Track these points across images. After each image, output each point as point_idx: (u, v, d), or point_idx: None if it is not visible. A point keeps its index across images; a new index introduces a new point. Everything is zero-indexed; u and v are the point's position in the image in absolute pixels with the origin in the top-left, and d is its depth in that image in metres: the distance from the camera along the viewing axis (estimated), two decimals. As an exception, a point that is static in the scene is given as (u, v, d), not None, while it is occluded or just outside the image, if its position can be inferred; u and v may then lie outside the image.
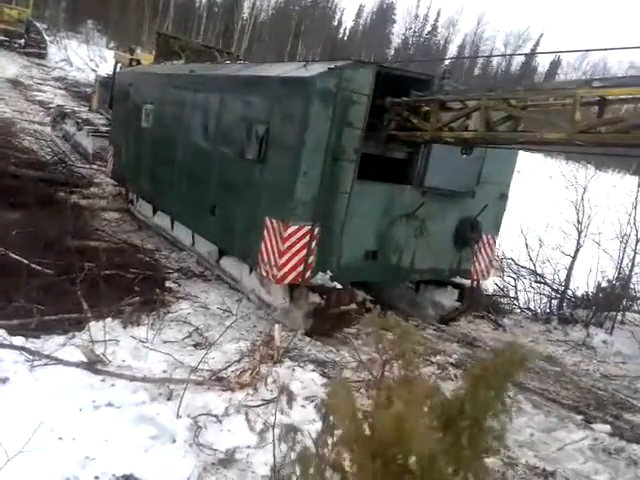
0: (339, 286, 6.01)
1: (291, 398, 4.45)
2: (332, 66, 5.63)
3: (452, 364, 6.19)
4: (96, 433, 3.60)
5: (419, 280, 7.41)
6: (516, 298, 10.09)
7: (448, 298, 7.34)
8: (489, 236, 7.22)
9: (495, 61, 66.45)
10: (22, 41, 27.58)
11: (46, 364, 4.26)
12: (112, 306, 5.89)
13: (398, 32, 64.74)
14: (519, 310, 9.80)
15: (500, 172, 6.99)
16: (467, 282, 7.19)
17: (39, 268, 6.35)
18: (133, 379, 4.40)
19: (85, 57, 31.18)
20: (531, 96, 4.92)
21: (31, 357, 4.26)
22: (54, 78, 24.74)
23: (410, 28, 63.90)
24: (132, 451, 3.55)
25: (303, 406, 4.47)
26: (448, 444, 1.48)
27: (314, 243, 5.84)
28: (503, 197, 7.18)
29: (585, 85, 4.38)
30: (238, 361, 5.10)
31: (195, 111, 7.90)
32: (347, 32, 67.79)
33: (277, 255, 5.83)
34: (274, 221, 5.93)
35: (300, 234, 5.79)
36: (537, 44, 64.96)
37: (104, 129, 13.31)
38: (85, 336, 5.01)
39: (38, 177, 10.42)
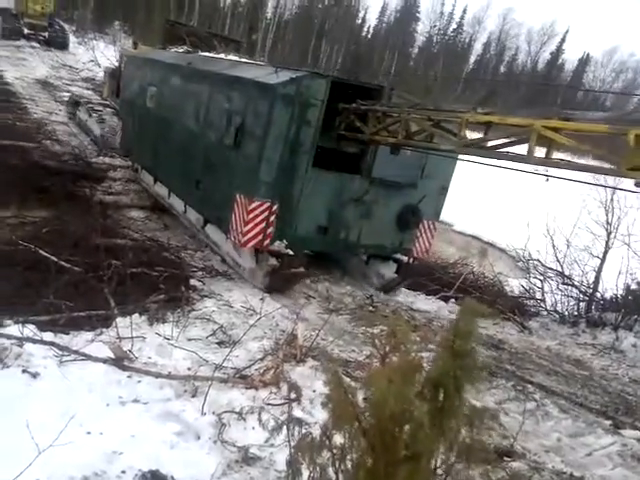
0: (291, 253, 7.30)
1: (299, 395, 4.48)
2: (294, 76, 7.02)
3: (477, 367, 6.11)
4: (123, 428, 3.66)
5: (369, 254, 8.70)
6: (543, 300, 9.90)
7: (389, 270, 8.63)
8: (430, 221, 8.40)
9: (521, 59, 65.48)
10: (46, 34, 29.40)
11: (75, 359, 4.34)
12: (138, 303, 5.98)
13: (422, 30, 64.20)
14: (546, 312, 9.61)
15: (442, 168, 7.97)
16: (405, 258, 8.43)
17: (68, 265, 6.47)
18: (159, 376, 4.46)
19: (112, 57, 31.70)
20: (435, 115, 6.10)
21: (60, 352, 4.35)
22: (82, 79, 25.17)
23: (435, 26, 63.24)
24: (158, 447, 3.60)
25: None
26: (432, 412, 1.46)
27: (273, 217, 7.19)
28: (444, 189, 8.31)
29: (472, 111, 5.69)
30: (261, 359, 5.14)
31: (189, 98, 9.15)
32: (371, 30, 67.54)
33: (243, 225, 7.19)
34: (242, 197, 7.23)
35: (261, 209, 7.14)
36: (563, 40, 63.69)
37: (110, 115, 14.68)
38: (112, 333, 5.10)
39: (64, 171, 10.67)
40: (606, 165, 4.91)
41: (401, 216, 7.97)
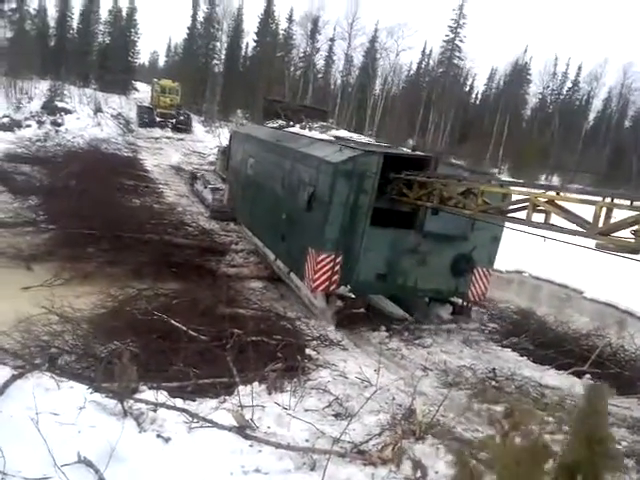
0: (353, 296, 8.73)
1: (425, 474, 4.24)
2: (352, 155, 8.56)
3: (622, 453, 5.41)
4: (246, 499, 3.71)
5: (430, 297, 9.83)
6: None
7: (445, 312, 9.72)
8: (484, 268, 9.46)
9: (647, 112, 61.17)
10: (173, 120, 35.38)
11: (202, 426, 4.55)
12: (258, 371, 6.19)
13: (535, 91, 62.87)
14: None
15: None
16: (459, 301, 9.51)
17: (195, 334, 6.93)
18: (279, 446, 4.50)
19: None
20: (458, 185, 7.41)
21: (190, 419, 4.58)
22: (209, 162, 27.89)
23: (548, 87, 61.75)
24: (279, 520, 3.58)
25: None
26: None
27: (337, 267, 8.68)
28: (496, 239, 9.33)
29: (487, 183, 7.07)
30: (379, 434, 5.00)
31: (277, 168, 11.20)
32: (479, 96, 67.63)
33: (313, 273, 8.70)
34: (313, 250, 8.76)
35: (327, 260, 8.65)
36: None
37: (220, 186, 17.33)
38: (235, 400, 5.30)
39: (192, 246, 11.73)
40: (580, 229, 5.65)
41: (454, 264, 9.05)
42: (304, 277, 9.03)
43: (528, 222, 6.11)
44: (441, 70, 59.80)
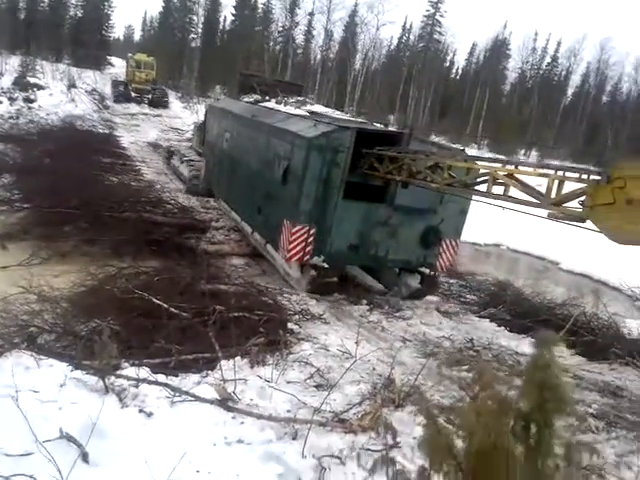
0: (326, 266, 9.08)
1: (395, 438, 4.37)
2: (325, 130, 8.84)
3: (593, 415, 5.63)
4: (229, 468, 3.78)
5: (400, 267, 10.10)
6: (667, 343, 8.94)
7: (414, 281, 9.96)
8: (451, 240, 9.77)
9: (625, 87, 61.77)
10: (149, 96, 34.91)
11: (184, 400, 4.59)
12: (240, 346, 6.24)
13: (514, 67, 62.88)
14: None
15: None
16: (427, 271, 9.77)
17: (177, 311, 6.93)
18: (260, 417, 4.58)
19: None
20: (426, 161, 7.63)
21: (172, 394, 4.62)
22: (187, 139, 27.47)
23: (527, 62, 61.78)
24: (262, 488, 3.67)
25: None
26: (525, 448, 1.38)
27: (311, 238, 8.96)
28: (463, 212, 9.58)
29: (453, 158, 7.32)
30: (359, 404, 5.11)
31: (253, 142, 11.57)
32: (459, 71, 67.45)
33: (288, 244, 8.99)
34: (288, 222, 9.02)
35: (302, 232, 8.92)
36: (674, 63, 59.15)
37: (196, 161, 17.29)
38: (217, 375, 5.35)
39: (172, 224, 11.64)
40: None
41: (423, 236, 9.40)
42: (279, 248, 9.40)
43: (489, 194, 6.51)
44: (421, 45, 59.40)
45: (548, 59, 62.11)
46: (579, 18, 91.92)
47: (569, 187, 5.67)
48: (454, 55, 65.20)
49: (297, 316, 8.15)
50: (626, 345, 8.46)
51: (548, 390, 1.31)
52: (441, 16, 57.56)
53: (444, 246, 9.71)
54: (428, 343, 7.81)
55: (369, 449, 4.29)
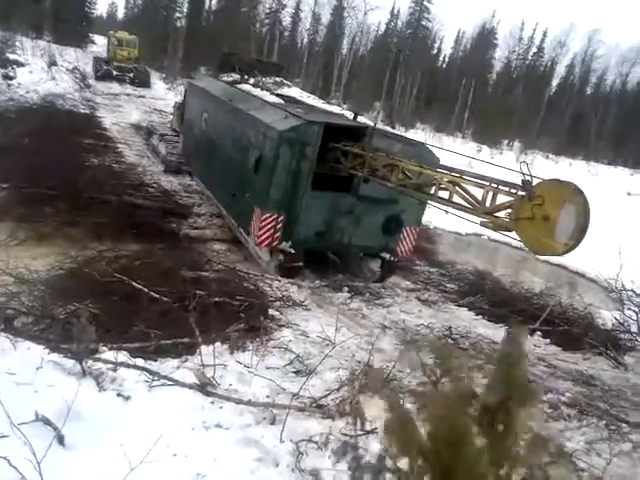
0: (293, 251, 9.45)
1: (363, 422, 4.43)
2: (295, 124, 9.18)
3: (565, 403, 5.77)
4: (206, 452, 3.81)
5: (364, 253, 10.62)
6: (639, 334, 9.18)
7: (376, 265, 10.51)
8: (411, 228, 10.34)
9: (610, 79, 62.31)
10: (131, 74, 34.09)
11: (163, 384, 4.60)
12: (220, 332, 6.25)
13: (500, 56, 62.95)
14: (643, 347, 8.89)
15: None
16: (387, 256, 10.24)
17: (157, 296, 6.91)
18: (239, 402, 4.61)
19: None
20: (385, 160, 8.00)
21: (150, 377, 4.63)
22: (170, 121, 27.07)
23: (514, 51, 61.88)
24: (239, 472, 3.71)
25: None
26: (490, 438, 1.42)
27: (280, 225, 9.39)
28: (422, 203, 9.82)
29: (406, 161, 7.67)
30: (338, 389, 5.17)
31: (228, 127, 11.90)
32: (446, 59, 67.34)
33: (258, 230, 9.43)
34: (258, 209, 9.46)
35: (271, 219, 9.35)
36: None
37: (175, 140, 17.58)
38: (197, 360, 5.36)
39: (154, 208, 11.54)
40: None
41: (385, 224, 9.90)
42: (250, 233, 9.89)
43: (435, 197, 7.06)
44: (409, 32, 59.08)
45: (534, 49, 62.31)
46: (568, 7, 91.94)
47: (502, 199, 6.16)
48: (441, 43, 65.08)
49: (278, 302, 8.18)
50: (600, 336, 8.67)
51: (513, 382, 1.36)
52: (429, 2, 57.25)
53: (404, 233, 10.31)
54: (408, 330, 7.91)
55: (346, 434, 4.36)
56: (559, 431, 5.14)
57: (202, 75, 22.78)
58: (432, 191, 7.16)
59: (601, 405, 6.04)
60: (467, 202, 6.45)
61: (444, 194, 6.90)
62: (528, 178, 5.58)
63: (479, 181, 6.37)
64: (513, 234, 5.92)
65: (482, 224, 6.16)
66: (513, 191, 5.84)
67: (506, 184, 6.00)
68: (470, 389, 1.46)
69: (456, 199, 6.61)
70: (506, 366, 1.32)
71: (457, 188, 6.58)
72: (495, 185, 6.10)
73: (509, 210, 5.84)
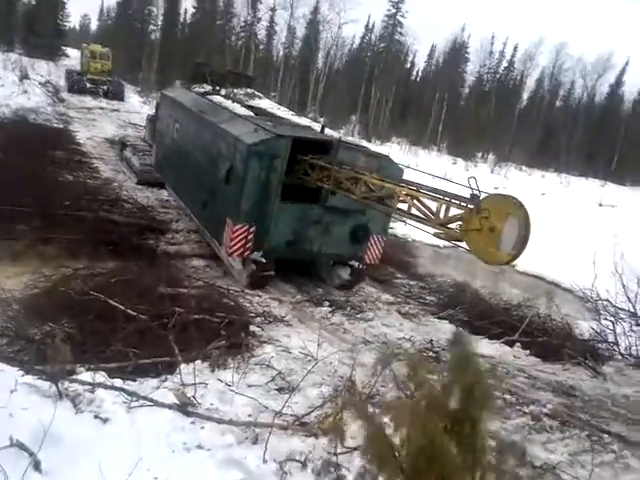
0: (264, 261, 9.60)
1: (343, 439, 4.40)
2: (264, 138, 9.40)
3: (547, 414, 5.82)
4: (188, 474, 3.73)
5: (333, 261, 10.87)
6: (616, 343, 9.32)
7: (345, 273, 10.83)
8: (378, 236, 10.61)
9: (577, 92, 64.05)
10: (105, 87, 33.78)
11: (142, 405, 4.49)
12: (200, 350, 6.15)
13: (472, 70, 64.24)
14: (620, 357, 9.01)
15: None
16: (356, 264, 10.55)
17: (135, 314, 6.77)
18: (221, 422, 4.53)
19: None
20: (348, 173, 8.26)
21: (129, 398, 4.51)
22: (144, 134, 26.82)
23: (484, 65, 63.26)
24: (222, 495, 3.63)
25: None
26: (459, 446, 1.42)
27: (251, 236, 9.53)
28: (388, 214, 9.91)
29: (369, 175, 7.87)
30: (321, 406, 5.12)
31: (199, 139, 12.04)
32: (420, 73, 68.39)
33: (230, 240, 9.53)
34: (230, 221, 9.54)
35: (242, 230, 9.48)
36: (623, 72, 61.80)
37: (147, 152, 17.66)
38: (176, 379, 5.26)
39: (130, 224, 11.38)
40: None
41: (353, 233, 10.18)
42: (222, 243, 10.03)
43: (394, 209, 7.46)
44: (383, 45, 59.89)
45: (505, 63, 63.73)
46: (536, 21, 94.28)
47: (454, 212, 6.41)
48: (414, 56, 66.04)
49: (259, 318, 8.10)
50: (578, 346, 8.79)
51: (469, 387, 1.36)
52: (402, 16, 58.03)
53: (372, 242, 10.58)
54: (389, 344, 7.90)
55: (330, 452, 4.31)
56: (542, 443, 5.17)
57: (176, 87, 22.58)
58: (392, 203, 7.50)
59: (582, 416, 6.09)
60: (423, 214, 6.75)
61: (404, 206, 7.21)
62: (476, 192, 5.82)
63: (434, 194, 6.68)
64: (464, 244, 6.19)
65: (435, 235, 6.48)
66: (463, 204, 6.15)
67: (457, 198, 6.30)
68: (442, 401, 1.46)
69: (414, 211, 6.93)
70: (458, 367, 1.32)
71: (414, 201, 6.89)
72: (448, 198, 6.41)
73: (460, 222, 6.16)
